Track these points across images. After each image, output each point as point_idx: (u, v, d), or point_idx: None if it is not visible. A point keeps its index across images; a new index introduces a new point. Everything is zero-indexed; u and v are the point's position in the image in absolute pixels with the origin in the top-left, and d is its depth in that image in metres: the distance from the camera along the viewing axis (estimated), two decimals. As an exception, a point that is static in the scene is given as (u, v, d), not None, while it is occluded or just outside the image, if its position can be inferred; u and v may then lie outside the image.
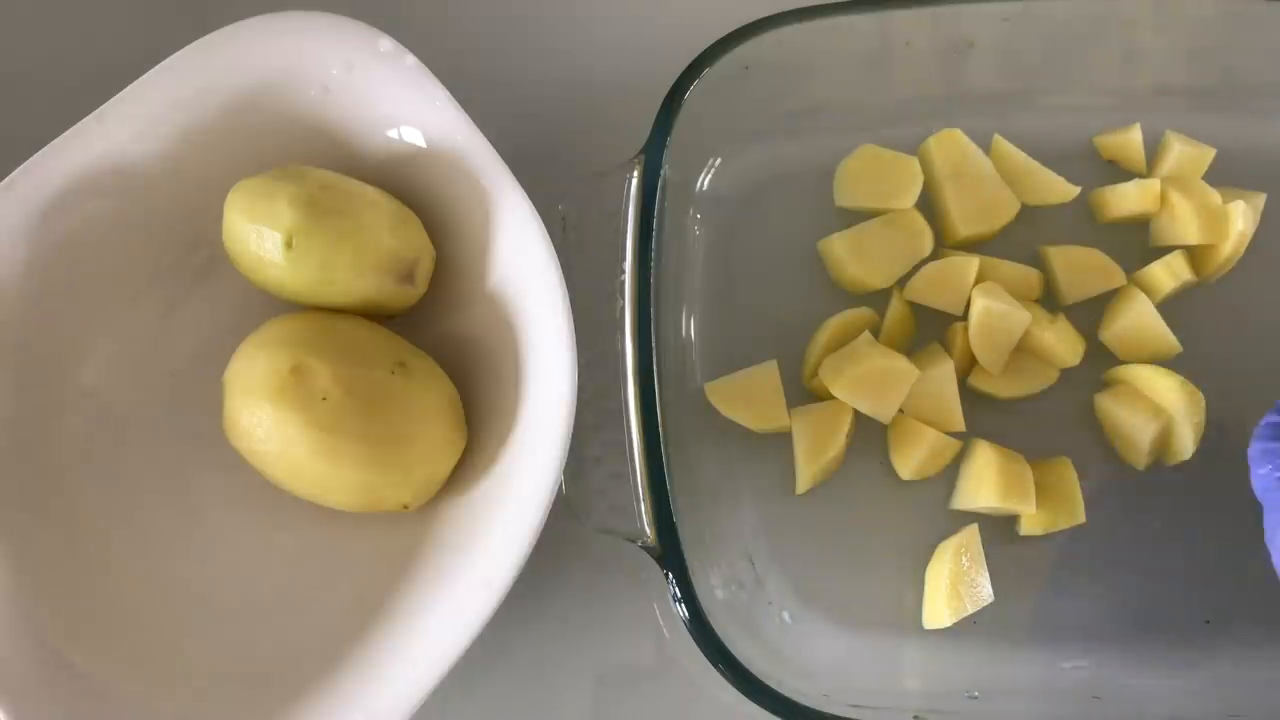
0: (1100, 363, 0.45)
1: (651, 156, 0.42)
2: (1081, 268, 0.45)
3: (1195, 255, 0.46)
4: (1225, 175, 0.46)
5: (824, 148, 0.48)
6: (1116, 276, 0.45)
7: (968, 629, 0.42)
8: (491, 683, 0.44)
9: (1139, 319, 0.44)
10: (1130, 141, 0.47)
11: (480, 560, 0.38)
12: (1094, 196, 0.47)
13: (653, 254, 0.42)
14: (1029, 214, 0.46)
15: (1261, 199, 0.46)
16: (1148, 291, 0.45)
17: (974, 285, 0.45)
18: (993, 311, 0.43)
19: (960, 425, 0.44)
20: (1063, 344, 0.44)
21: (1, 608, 0.38)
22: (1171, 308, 0.45)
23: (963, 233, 0.46)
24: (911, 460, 0.43)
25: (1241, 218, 0.44)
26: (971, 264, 0.45)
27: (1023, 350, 0.44)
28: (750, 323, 0.47)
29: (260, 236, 0.39)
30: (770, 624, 0.43)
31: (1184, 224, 0.45)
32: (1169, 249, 0.46)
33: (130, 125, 0.41)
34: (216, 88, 0.42)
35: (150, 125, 0.41)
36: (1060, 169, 0.47)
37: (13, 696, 0.37)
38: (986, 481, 0.42)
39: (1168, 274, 0.45)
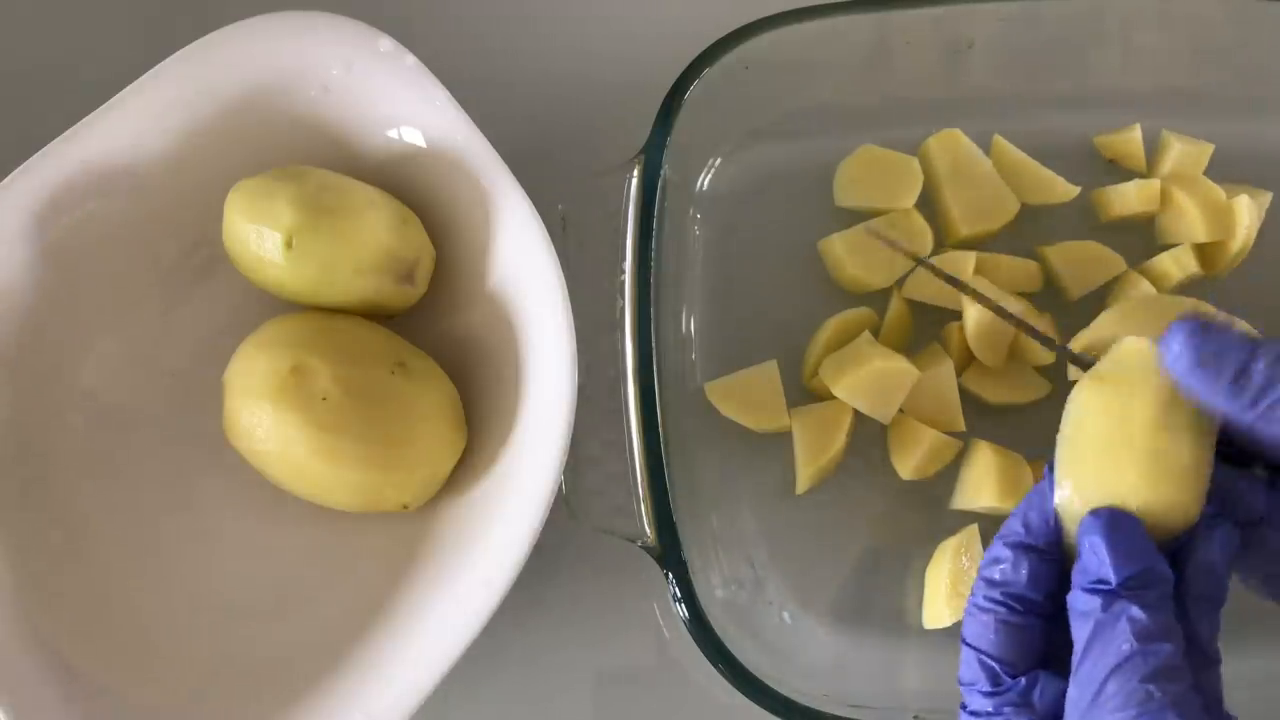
0: (1101, 362, 0.45)
1: (651, 156, 0.42)
2: (1081, 261, 0.45)
3: (1201, 253, 0.45)
4: (1226, 175, 0.46)
5: (824, 148, 0.47)
6: (1117, 264, 0.45)
7: (968, 629, 0.42)
8: (491, 683, 0.44)
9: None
10: (1130, 141, 0.47)
11: (480, 560, 0.38)
12: (1094, 196, 0.47)
13: (653, 254, 0.42)
14: (1029, 214, 0.46)
15: (1265, 195, 0.46)
16: (1155, 283, 0.45)
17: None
18: (985, 308, 0.43)
19: (960, 425, 0.44)
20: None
21: (1, 608, 0.38)
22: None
23: (963, 232, 0.46)
24: (911, 460, 0.43)
25: (1247, 212, 0.44)
26: (969, 259, 0.45)
27: (1017, 359, 0.44)
28: (750, 323, 0.47)
29: (260, 236, 0.39)
30: (770, 624, 0.43)
31: (1190, 221, 0.45)
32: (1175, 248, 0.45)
33: (130, 125, 0.41)
34: (216, 88, 0.42)
35: (150, 125, 0.41)
36: (1060, 169, 0.47)
37: (13, 696, 0.37)
38: (987, 483, 0.42)
39: (1175, 266, 0.44)
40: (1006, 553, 0.33)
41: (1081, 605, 0.30)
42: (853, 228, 0.46)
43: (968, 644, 0.33)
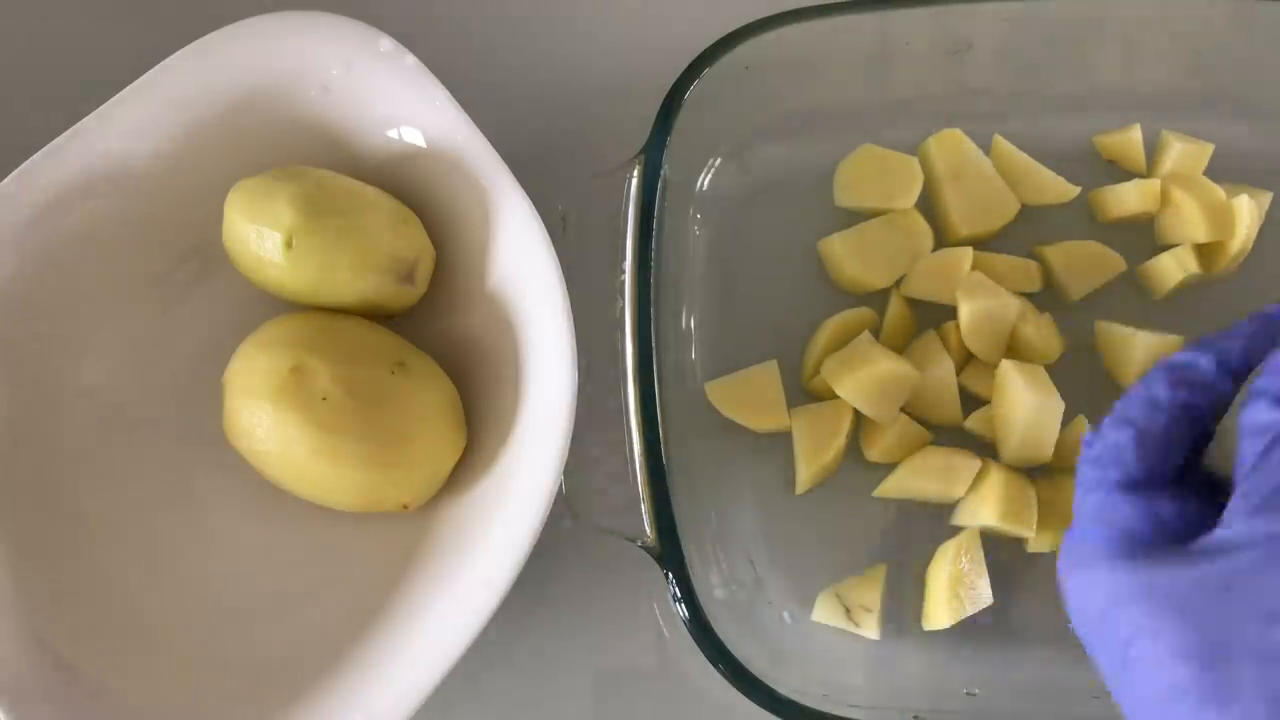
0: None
1: (651, 156, 0.42)
2: (1080, 260, 0.45)
3: (1201, 253, 0.45)
4: (1226, 175, 0.46)
5: (824, 148, 0.48)
6: (1117, 264, 0.45)
7: (968, 629, 0.42)
8: (491, 683, 0.44)
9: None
10: (1130, 141, 0.47)
11: (480, 560, 0.38)
12: (1094, 196, 0.47)
13: (653, 254, 0.42)
14: (1029, 214, 0.46)
15: (1265, 195, 0.46)
16: (1155, 282, 0.45)
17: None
18: (979, 305, 0.43)
19: (959, 420, 0.44)
20: (1041, 339, 0.44)
21: (1, 608, 0.38)
22: (1178, 305, 0.45)
23: (963, 233, 0.46)
24: (879, 448, 0.44)
25: (1247, 212, 0.44)
26: (966, 255, 0.45)
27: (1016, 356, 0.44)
28: (750, 323, 0.47)
29: (260, 236, 0.39)
30: (770, 624, 0.43)
31: (1191, 221, 0.45)
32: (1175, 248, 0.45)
33: (130, 125, 0.41)
34: (216, 88, 0.42)
35: (150, 125, 0.41)
36: (1060, 169, 0.47)
37: (13, 696, 0.37)
38: (989, 501, 0.42)
39: (1175, 266, 0.44)
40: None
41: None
42: (853, 227, 0.46)
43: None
